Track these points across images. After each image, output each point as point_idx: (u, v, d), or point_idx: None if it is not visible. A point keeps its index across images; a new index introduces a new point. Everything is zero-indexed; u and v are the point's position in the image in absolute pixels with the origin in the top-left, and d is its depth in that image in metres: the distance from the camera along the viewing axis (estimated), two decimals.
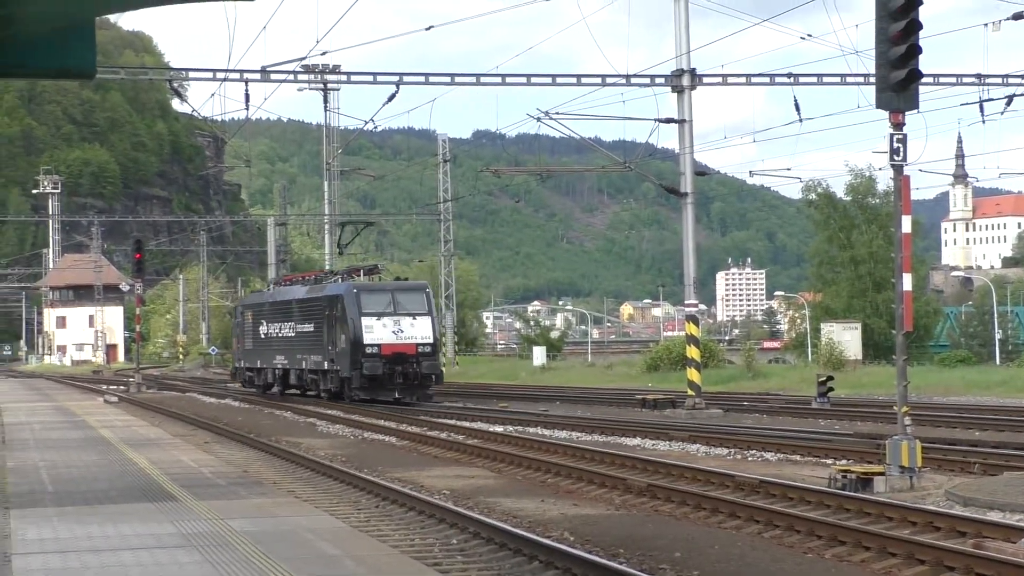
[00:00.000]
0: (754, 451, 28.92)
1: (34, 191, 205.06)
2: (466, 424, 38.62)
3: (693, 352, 43.73)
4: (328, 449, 32.00)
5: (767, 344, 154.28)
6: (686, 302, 46.40)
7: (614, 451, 28.07)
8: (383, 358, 49.19)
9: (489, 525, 17.37)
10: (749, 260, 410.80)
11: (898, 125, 21.86)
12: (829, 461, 26.45)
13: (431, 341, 50.23)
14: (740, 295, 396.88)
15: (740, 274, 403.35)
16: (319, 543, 11.39)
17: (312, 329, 54.50)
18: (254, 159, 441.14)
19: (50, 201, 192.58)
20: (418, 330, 49.90)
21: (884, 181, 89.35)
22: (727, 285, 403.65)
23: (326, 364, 52.70)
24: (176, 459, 20.27)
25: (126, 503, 14.62)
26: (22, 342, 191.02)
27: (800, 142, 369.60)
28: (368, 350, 49.17)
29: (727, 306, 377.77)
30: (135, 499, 14.97)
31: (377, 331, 49.50)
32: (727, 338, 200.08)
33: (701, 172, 48.98)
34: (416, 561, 10.84)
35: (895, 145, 21.82)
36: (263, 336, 62.62)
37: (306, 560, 10.52)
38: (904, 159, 21.93)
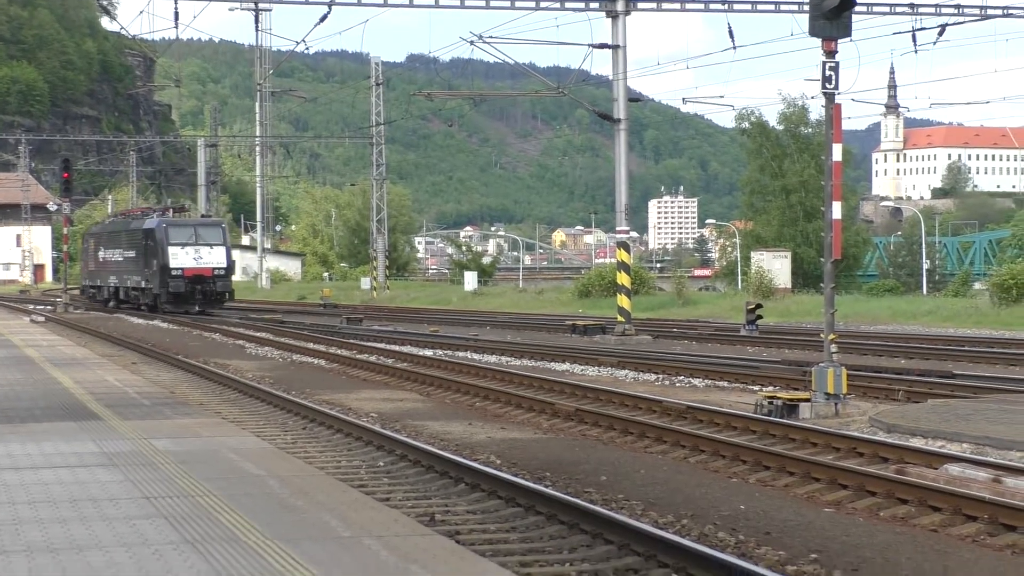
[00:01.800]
0: (682, 377, 29.03)
1: None
2: (395, 348, 38.57)
3: (623, 279, 43.79)
4: (256, 371, 31.89)
5: (698, 272, 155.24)
6: (617, 229, 46.42)
7: (543, 376, 28.14)
8: (185, 279, 62.39)
9: (416, 447, 17.37)
10: (682, 188, 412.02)
11: (830, 53, 21.85)
12: (756, 388, 26.59)
13: (224, 266, 64.04)
14: (672, 223, 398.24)
15: (673, 202, 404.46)
16: (243, 463, 11.33)
17: (134, 255, 67.29)
18: (185, 80, 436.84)
19: None
20: (214, 257, 63.22)
21: (817, 110, 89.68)
22: (659, 213, 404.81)
23: (143, 283, 65.84)
24: (101, 379, 20.11)
25: (49, 422, 14.48)
26: None
27: (734, 70, 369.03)
28: (173, 272, 62.36)
29: (659, 234, 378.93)
30: (58, 418, 14.83)
31: (181, 258, 62.49)
32: (659, 266, 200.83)
33: (635, 99, 48.83)
34: (341, 482, 10.79)
35: (827, 73, 21.82)
36: (100, 260, 76.23)
37: (228, 480, 10.46)
38: (836, 87, 21.94)
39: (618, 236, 45.83)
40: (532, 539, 12.68)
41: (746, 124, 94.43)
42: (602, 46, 44.02)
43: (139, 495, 9.79)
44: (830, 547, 12.21)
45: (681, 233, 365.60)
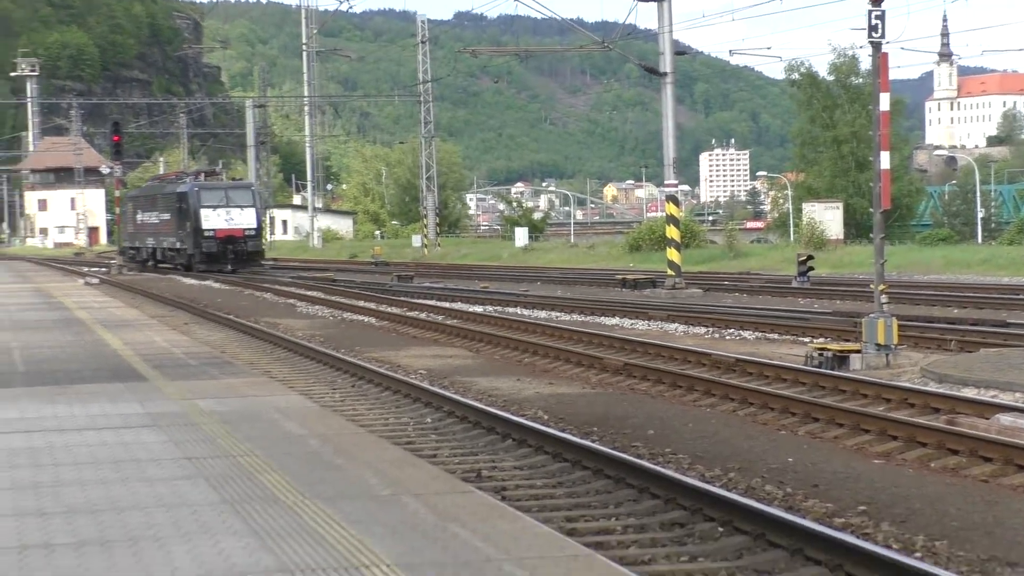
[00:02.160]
0: (732, 330, 28.91)
1: (12, 74, 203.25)
2: (446, 305, 38.56)
3: (673, 232, 43.61)
4: (307, 330, 31.95)
5: (750, 224, 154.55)
6: (666, 183, 46.21)
7: (592, 330, 28.06)
8: (218, 240, 65.25)
9: (463, 404, 17.36)
10: (732, 141, 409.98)
11: (876, 1, 21.59)
12: (806, 339, 26.46)
13: (255, 227, 66.98)
14: (724, 176, 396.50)
15: (724, 155, 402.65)
16: (286, 423, 11.31)
17: (169, 217, 70.57)
18: (233, 41, 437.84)
19: (28, 84, 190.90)
20: (244, 219, 65.99)
21: (867, 60, 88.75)
22: (711, 166, 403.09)
23: (178, 244, 69.07)
24: (150, 340, 20.16)
25: (96, 383, 14.51)
26: (4, 225, 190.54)
27: (781, 21, 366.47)
28: (206, 234, 65.42)
29: (711, 187, 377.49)
30: (105, 379, 14.86)
31: (213, 220, 65.34)
32: (710, 219, 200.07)
33: (681, 52, 48.49)
34: (383, 439, 10.76)
35: (873, 22, 21.59)
36: (139, 222, 79.44)
37: (270, 439, 10.45)
38: (883, 36, 21.71)
39: (667, 190, 45.63)
40: (578, 494, 12.65)
41: (796, 75, 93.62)
42: None
43: (181, 456, 9.79)
44: (879, 499, 12.11)
45: (733, 186, 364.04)
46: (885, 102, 22.19)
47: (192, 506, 7.97)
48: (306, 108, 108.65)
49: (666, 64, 43.49)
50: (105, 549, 6.93)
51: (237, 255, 65.84)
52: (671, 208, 44.34)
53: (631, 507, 12.02)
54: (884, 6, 21.59)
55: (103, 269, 73.91)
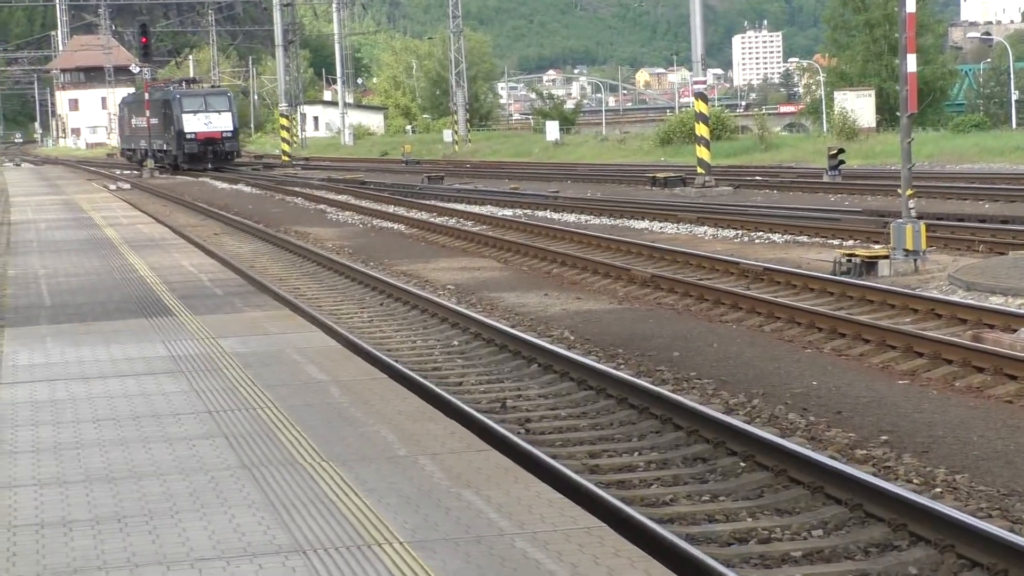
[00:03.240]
0: (761, 232, 28.84)
1: None
2: (475, 210, 38.54)
3: (702, 130, 43.32)
4: (336, 240, 32.00)
5: (783, 108, 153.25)
6: (694, 80, 45.86)
7: (620, 237, 27.99)
8: (198, 141, 72.71)
9: (490, 327, 17.36)
10: (765, 23, 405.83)
11: None
12: (836, 242, 26.41)
13: (231, 129, 74.53)
14: (757, 59, 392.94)
15: (756, 37, 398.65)
16: (307, 366, 11.36)
17: (157, 122, 77.30)
18: None
19: None
20: (222, 122, 73.46)
21: None
22: (743, 49, 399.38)
23: (165, 146, 76.67)
24: (177, 264, 20.21)
25: (121, 319, 14.57)
26: (36, 124, 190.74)
27: None
28: (187, 136, 72.83)
29: (744, 71, 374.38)
30: (130, 314, 14.92)
31: (193, 123, 72.84)
32: (743, 103, 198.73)
33: None
34: (402, 388, 10.78)
35: None
36: (133, 126, 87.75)
37: (290, 387, 10.51)
38: None
39: (695, 87, 45.27)
40: (602, 425, 12.70)
41: None
42: None
43: (202, 408, 9.87)
44: (901, 426, 12.12)
45: (766, 69, 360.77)
46: (911, 3, 21.91)
47: (210, 472, 8.04)
48: (334, 3, 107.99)
49: None
50: (121, 526, 7.00)
51: (216, 155, 73.13)
52: (700, 105, 44.01)
53: (654, 440, 12.07)
54: None
55: (135, 173, 74.09)
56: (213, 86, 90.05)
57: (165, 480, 7.88)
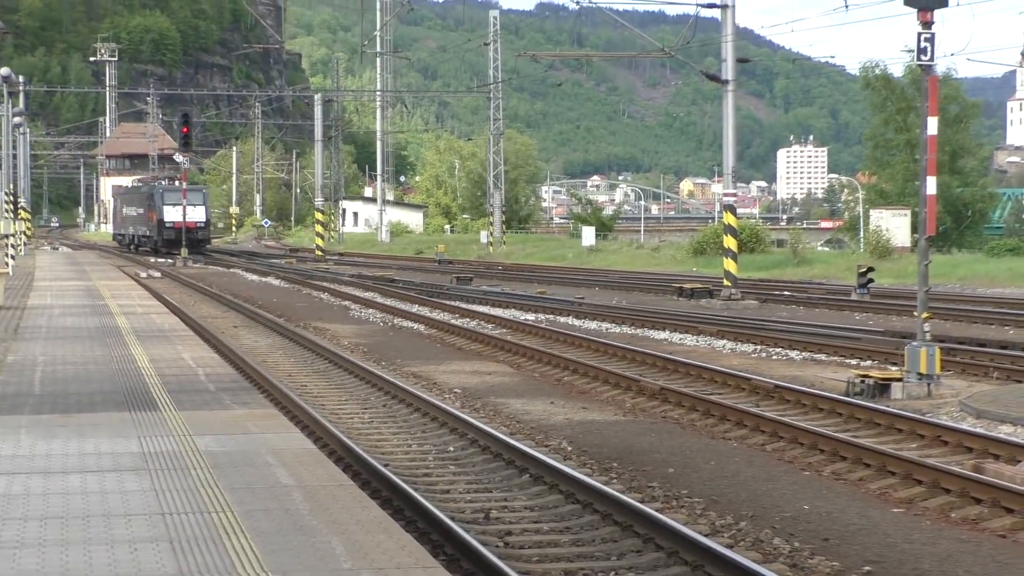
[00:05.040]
0: (780, 348, 28.51)
1: (92, 59, 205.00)
2: (497, 312, 38.35)
3: (730, 242, 43.13)
4: (353, 337, 31.84)
5: (824, 224, 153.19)
6: (724, 192, 45.71)
7: (637, 347, 27.72)
8: (175, 230, 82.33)
9: (487, 433, 17.10)
10: (811, 137, 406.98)
11: (927, 24, 21.15)
12: (853, 362, 26.08)
13: (204, 220, 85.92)
14: (801, 173, 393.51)
15: (802, 151, 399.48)
16: (276, 469, 11.11)
17: (143, 211, 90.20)
18: (316, 28, 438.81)
19: (107, 69, 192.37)
20: (197, 214, 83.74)
21: (944, 63, 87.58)
22: (788, 162, 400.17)
23: (148, 232, 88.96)
24: (178, 356, 20.03)
25: (104, 411, 14.37)
26: (80, 209, 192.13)
27: (845, 30, 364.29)
28: (167, 225, 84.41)
29: (788, 184, 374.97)
30: (114, 407, 14.72)
31: (172, 214, 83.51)
32: (786, 217, 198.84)
33: (743, 59, 47.70)
34: (366, 497, 10.51)
35: (923, 45, 21.13)
36: (124, 215, 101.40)
37: (253, 491, 10.26)
38: (932, 59, 21.24)
39: (724, 199, 45.12)
40: (584, 541, 12.40)
41: (874, 73, 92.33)
42: (710, 6, 43.23)
43: (156, 510, 9.62)
44: (887, 556, 11.78)
45: (810, 183, 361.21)
46: (933, 126, 21.78)
47: None
48: (378, 103, 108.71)
49: (727, 72, 42.96)
50: None
51: (190, 241, 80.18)
52: (728, 217, 43.83)
53: (634, 559, 11.77)
54: (932, 29, 21.07)
55: (169, 261, 74.33)
56: (192, 183, 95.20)
57: None
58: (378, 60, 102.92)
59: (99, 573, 7.90)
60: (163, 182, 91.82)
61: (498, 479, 15.19)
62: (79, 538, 8.77)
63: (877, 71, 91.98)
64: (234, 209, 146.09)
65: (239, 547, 8.53)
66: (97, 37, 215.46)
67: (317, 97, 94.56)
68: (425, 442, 17.57)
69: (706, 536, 11.93)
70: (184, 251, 76.57)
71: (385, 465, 15.25)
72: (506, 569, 10.70)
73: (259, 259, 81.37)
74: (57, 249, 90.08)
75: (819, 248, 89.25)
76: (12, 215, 61.63)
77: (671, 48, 47.55)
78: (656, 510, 12.95)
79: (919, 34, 21.16)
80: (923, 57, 21.18)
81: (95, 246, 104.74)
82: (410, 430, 18.56)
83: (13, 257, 52.87)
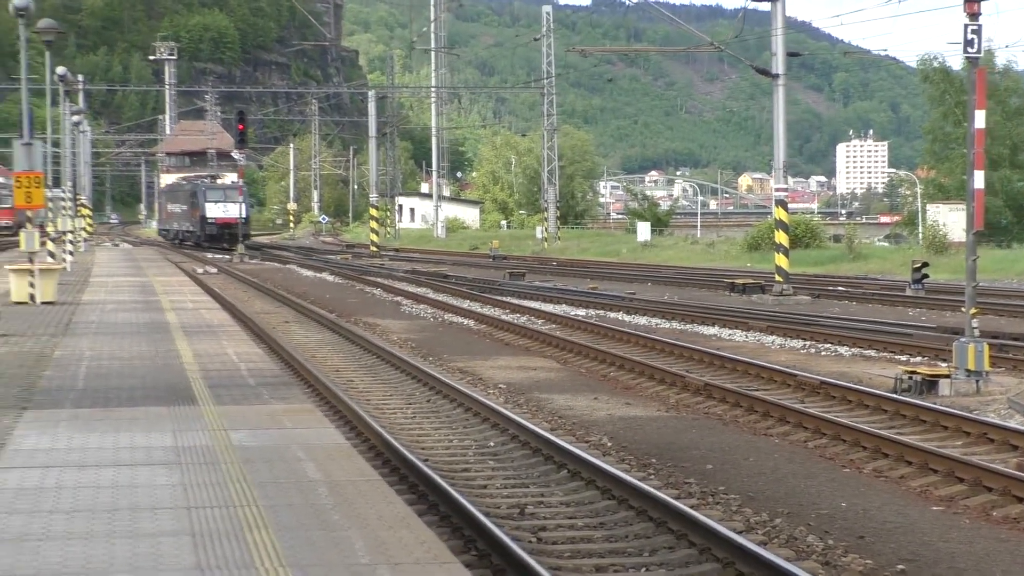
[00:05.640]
0: (829, 344, 28.33)
1: (150, 57, 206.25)
2: (548, 308, 38.32)
3: (781, 237, 42.88)
4: (403, 333, 31.88)
5: (884, 219, 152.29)
6: (775, 187, 45.40)
7: (685, 343, 27.60)
8: (217, 225, 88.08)
9: (527, 429, 17.06)
10: (871, 131, 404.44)
11: (973, 16, 20.95)
12: (903, 358, 25.88)
13: (244, 216, 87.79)
14: (861, 167, 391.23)
15: (861, 146, 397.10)
16: (305, 464, 11.13)
17: (187, 208, 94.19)
18: (373, 25, 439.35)
19: (166, 67, 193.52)
20: (236, 211, 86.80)
21: (1003, 56, 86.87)
22: (848, 157, 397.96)
23: (191, 228, 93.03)
24: (222, 352, 20.10)
25: (143, 406, 14.45)
26: (142, 206, 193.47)
27: (902, 22, 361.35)
28: (209, 221, 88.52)
29: (848, 179, 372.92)
30: (153, 402, 14.80)
31: (214, 211, 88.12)
32: (845, 211, 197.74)
33: (793, 54, 47.28)
34: (392, 492, 10.50)
35: (969, 37, 20.93)
36: (168, 211, 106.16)
37: (280, 485, 10.29)
38: (979, 52, 21.05)
39: (776, 194, 44.84)
40: (617, 537, 12.37)
41: (932, 66, 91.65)
42: None
43: (183, 504, 9.66)
44: (922, 555, 11.67)
45: (870, 177, 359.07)
46: (981, 120, 21.57)
47: (162, 572, 7.82)
48: (432, 100, 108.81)
49: (778, 66, 42.71)
50: None
51: (231, 237, 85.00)
52: (780, 212, 43.58)
53: (665, 555, 11.73)
54: (979, 20, 20.86)
55: (225, 258, 74.69)
56: (232, 182, 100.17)
57: None
58: (432, 56, 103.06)
59: (119, 566, 7.93)
60: (206, 180, 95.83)
61: (536, 475, 15.16)
62: (103, 531, 8.81)
63: (935, 64, 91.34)
64: (292, 206, 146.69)
65: (260, 541, 8.55)
66: (157, 36, 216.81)
67: (371, 94, 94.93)
68: (466, 437, 17.57)
69: (739, 533, 11.87)
70: (240, 247, 77.07)
71: (424, 460, 15.27)
72: (534, 565, 10.67)
73: (315, 255, 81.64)
74: (117, 246, 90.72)
75: (878, 243, 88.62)
76: (72, 212, 62.05)
77: (721, 42, 47.31)
78: (691, 507, 12.91)
79: (966, 26, 20.97)
80: (970, 49, 20.99)
81: (155, 242, 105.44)
82: (452, 425, 18.56)
83: (71, 253, 53.21)
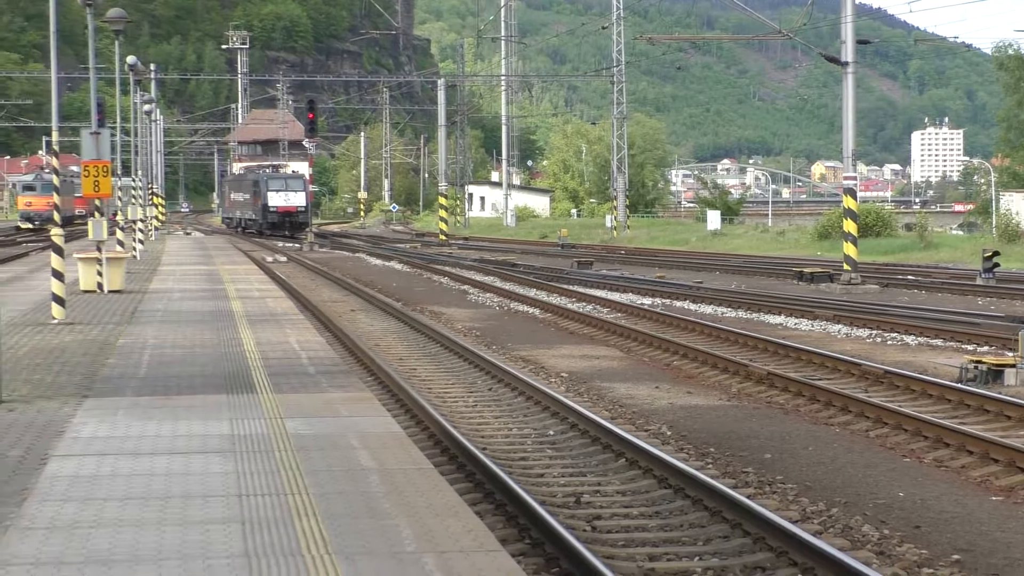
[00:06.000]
0: (896, 334, 28.13)
1: (223, 46, 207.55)
2: (615, 297, 38.27)
3: (849, 226, 42.60)
4: (468, 321, 31.94)
5: (958, 208, 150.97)
6: (844, 176, 45.06)
7: (750, 331, 27.48)
8: (279, 214, 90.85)
9: (587, 418, 17.06)
10: (947, 119, 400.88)
11: None
12: (970, 347, 25.66)
13: (304, 205, 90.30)
14: (936, 155, 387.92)
15: (936, 134, 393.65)
16: (359, 452, 11.20)
17: (249, 197, 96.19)
18: (445, 13, 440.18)
19: (238, 56, 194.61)
20: (297, 199, 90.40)
21: None
22: (923, 145, 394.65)
23: (253, 216, 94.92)
24: (284, 340, 20.25)
25: (202, 394, 14.58)
26: (214, 194, 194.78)
27: (980, 8, 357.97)
28: (271, 209, 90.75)
29: (923, 167, 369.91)
30: (213, 389, 14.92)
31: (276, 199, 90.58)
32: (919, 200, 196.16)
33: (863, 41, 46.92)
34: (444, 481, 10.55)
35: None
36: (231, 199, 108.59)
37: (332, 473, 10.35)
38: None
39: (845, 183, 44.51)
40: (671, 527, 12.36)
41: (1008, 52, 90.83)
42: None
43: (234, 492, 9.74)
44: (978, 545, 11.59)
45: (945, 165, 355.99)
46: None
47: (209, 559, 7.89)
48: (503, 87, 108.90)
49: (847, 53, 42.42)
50: None
51: (291, 225, 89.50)
52: (848, 201, 43.29)
53: (719, 544, 11.70)
54: None
55: (295, 246, 75.09)
56: (293, 171, 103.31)
57: (160, 566, 7.74)
58: (502, 44, 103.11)
59: (167, 554, 8.01)
60: (268, 170, 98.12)
61: (593, 463, 15.17)
62: (154, 519, 8.90)
63: (1011, 51, 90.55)
64: (363, 194, 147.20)
65: (308, 529, 8.62)
66: (230, 25, 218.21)
67: (440, 82, 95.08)
68: (526, 426, 17.59)
69: (794, 523, 11.84)
70: (310, 235, 77.44)
71: (482, 449, 15.30)
72: (586, 553, 10.68)
73: (384, 244, 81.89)
74: (189, 234, 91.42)
75: (952, 232, 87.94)
76: (142, 201, 62.57)
77: (791, 30, 47.03)
78: (747, 496, 12.87)
79: None
80: None
81: (225, 231, 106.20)
82: (512, 414, 18.58)
83: (142, 242, 53.69)
